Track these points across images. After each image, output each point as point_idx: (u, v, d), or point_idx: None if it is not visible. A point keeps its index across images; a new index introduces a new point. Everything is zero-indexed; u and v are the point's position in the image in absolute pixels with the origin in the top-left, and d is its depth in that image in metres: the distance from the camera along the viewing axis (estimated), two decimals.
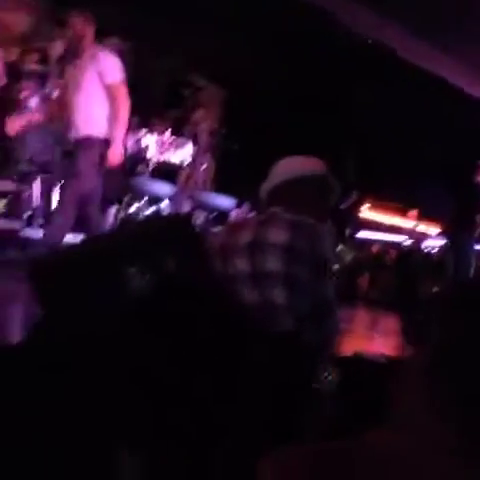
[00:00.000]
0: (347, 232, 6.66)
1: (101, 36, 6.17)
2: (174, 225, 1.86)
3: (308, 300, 2.00)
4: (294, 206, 2.16)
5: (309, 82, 6.69)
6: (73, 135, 4.07)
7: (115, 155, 3.98)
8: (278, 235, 2.05)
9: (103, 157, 3.96)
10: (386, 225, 7.30)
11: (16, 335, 2.52)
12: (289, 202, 2.16)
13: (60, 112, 4.96)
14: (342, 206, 6.71)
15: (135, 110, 5.58)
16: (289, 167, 2.28)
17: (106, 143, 3.96)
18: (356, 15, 5.46)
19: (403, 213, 7.44)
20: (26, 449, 1.59)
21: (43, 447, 1.58)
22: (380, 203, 7.31)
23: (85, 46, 4.05)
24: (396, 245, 7.18)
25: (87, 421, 1.40)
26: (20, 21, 5.79)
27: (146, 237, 1.83)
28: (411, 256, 6.76)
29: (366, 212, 7.24)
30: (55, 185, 5.00)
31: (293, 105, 6.88)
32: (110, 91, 3.97)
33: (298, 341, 1.86)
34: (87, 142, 3.96)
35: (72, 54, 4.16)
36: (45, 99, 4.92)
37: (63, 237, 3.87)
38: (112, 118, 3.96)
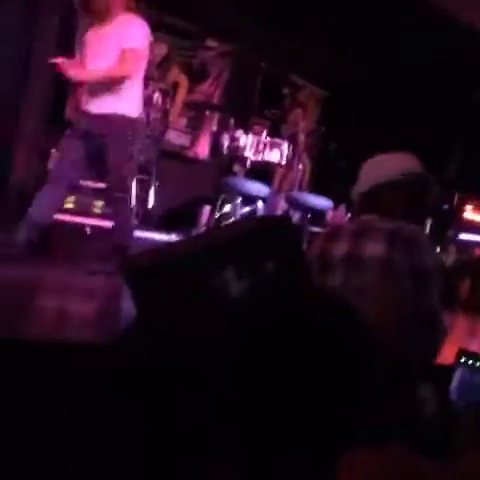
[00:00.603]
0: (449, 234, 6.36)
1: (205, 37, 6.29)
2: (274, 227, 1.76)
3: (409, 314, 1.89)
4: (389, 212, 2.06)
5: (416, 81, 6.47)
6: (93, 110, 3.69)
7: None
8: (374, 248, 1.94)
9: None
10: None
11: (114, 331, 2.52)
12: (383, 207, 2.07)
13: None
14: (444, 206, 6.42)
15: (233, 109, 5.60)
16: (381, 169, 2.16)
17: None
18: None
19: None
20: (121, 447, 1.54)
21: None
22: None
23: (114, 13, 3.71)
24: None
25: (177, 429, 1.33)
26: None
27: (244, 239, 1.74)
28: None
29: (470, 213, 6.88)
30: (152, 186, 5.05)
31: (393, 104, 6.67)
32: (123, 55, 3.58)
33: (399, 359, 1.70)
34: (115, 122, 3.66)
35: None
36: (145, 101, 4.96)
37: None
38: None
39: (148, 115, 4.98)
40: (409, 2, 5.33)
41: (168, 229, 4.64)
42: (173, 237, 4.54)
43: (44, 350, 1.67)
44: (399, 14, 5.41)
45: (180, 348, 1.34)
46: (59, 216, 4.11)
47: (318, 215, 5.26)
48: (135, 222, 4.67)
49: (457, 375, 1.44)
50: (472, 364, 1.47)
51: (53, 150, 4.89)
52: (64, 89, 5.62)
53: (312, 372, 0.75)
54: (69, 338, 2.10)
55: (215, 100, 6.46)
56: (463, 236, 6.76)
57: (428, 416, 1.42)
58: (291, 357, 0.76)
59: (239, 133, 5.12)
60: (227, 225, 4.53)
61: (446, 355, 1.91)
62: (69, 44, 5.55)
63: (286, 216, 3.84)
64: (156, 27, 6.01)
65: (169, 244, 2.13)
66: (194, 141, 6.45)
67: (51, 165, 4.85)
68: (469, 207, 6.87)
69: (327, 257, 2.02)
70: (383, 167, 2.17)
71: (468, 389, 1.47)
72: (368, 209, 2.08)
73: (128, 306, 2.05)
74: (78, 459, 1.48)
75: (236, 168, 5.43)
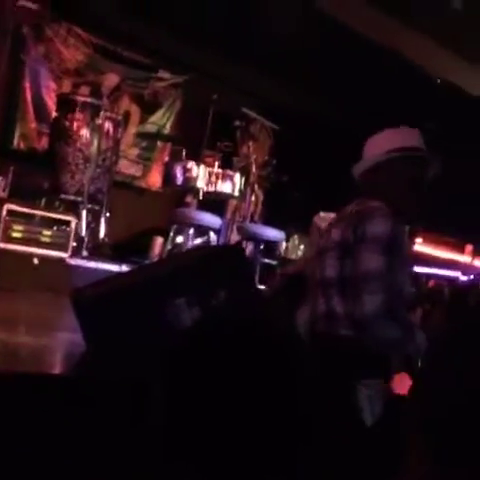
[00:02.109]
0: None
1: (157, 68, 6.32)
2: (226, 255, 1.76)
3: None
4: (375, 195, 2.04)
5: (361, 116, 6.62)
6: None
7: None
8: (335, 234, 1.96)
9: None
10: (440, 259, 7.07)
11: (60, 365, 2.45)
12: (369, 191, 2.07)
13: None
14: None
15: (185, 140, 5.61)
16: (366, 152, 2.18)
17: None
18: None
19: (458, 248, 7.20)
20: None
21: None
22: (433, 237, 7.10)
23: None
24: (451, 281, 6.94)
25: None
26: (76, 55, 5.89)
27: (196, 267, 1.73)
28: (467, 293, 6.50)
29: (419, 246, 7.03)
30: (102, 216, 5.00)
31: (343, 138, 6.80)
32: None
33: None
34: None
35: None
36: (96, 131, 4.94)
37: None
38: None
39: (99, 145, 4.95)
40: (360, 39, 5.48)
41: (119, 260, 4.58)
42: (124, 268, 4.48)
43: None
44: (351, 48, 5.55)
45: (129, 374, 1.31)
46: (7, 245, 4.03)
47: (271, 246, 5.27)
48: (85, 252, 4.61)
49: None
50: None
51: (0, 178, 4.80)
52: (11, 116, 5.57)
53: (250, 389, 0.74)
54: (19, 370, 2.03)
55: (167, 131, 6.48)
56: (415, 269, 6.87)
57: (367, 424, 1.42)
58: (229, 375, 0.75)
59: (191, 164, 5.13)
60: (178, 254, 4.50)
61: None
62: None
63: (237, 245, 3.85)
64: (108, 57, 6.05)
65: (119, 274, 2.10)
66: (146, 171, 6.44)
67: None
68: (419, 240, 7.01)
69: (323, 245, 2.02)
70: (368, 149, 2.17)
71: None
72: (361, 193, 2.10)
73: (78, 337, 2.01)
74: None
75: (188, 199, 5.43)
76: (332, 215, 5.15)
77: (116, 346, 1.61)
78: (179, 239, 5.07)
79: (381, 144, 2.09)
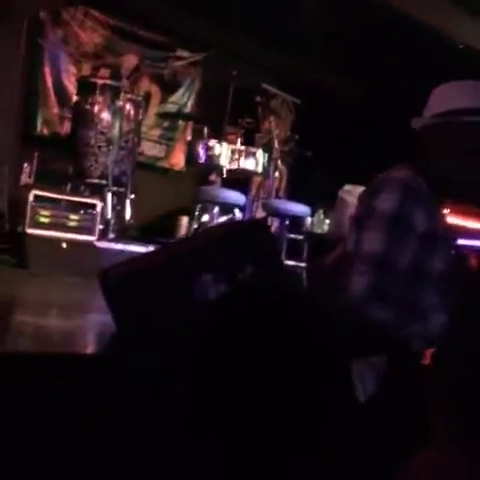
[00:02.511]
0: None
1: (175, 47, 6.30)
2: (250, 230, 1.75)
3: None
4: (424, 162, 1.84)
5: (385, 89, 6.53)
6: None
7: None
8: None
9: None
10: (469, 230, 6.97)
11: (91, 345, 2.49)
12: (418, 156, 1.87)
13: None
14: None
15: (207, 119, 5.59)
16: (427, 108, 1.88)
17: None
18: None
19: None
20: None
21: None
22: (461, 208, 6.99)
23: None
24: (477, 250, 6.83)
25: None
26: (94, 38, 5.88)
27: (222, 243, 1.72)
28: None
29: (447, 217, 6.92)
30: (127, 198, 5.02)
31: (365, 110, 6.72)
32: None
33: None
34: None
35: None
36: (117, 113, 4.94)
37: None
38: None
39: (121, 127, 4.96)
40: (382, 11, 5.37)
41: (146, 241, 4.60)
42: (151, 249, 4.50)
43: (29, 362, 1.65)
44: (372, 22, 5.45)
45: (158, 350, 1.32)
46: (35, 231, 4.07)
47: (296, 222, 5.25)
48: (111, 235, 4.64)
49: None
50: None
51: (25, 165, 4.85)
52: (33, 102, 5.60)
53: (278, 366, 0.74)
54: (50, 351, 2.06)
55: (188, 110, 6.46)
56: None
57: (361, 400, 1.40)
58: (257, 352, 0.74)
59: (213, 142, 5.12)
60: (203, 231, 4.50)
61: None
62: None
63: (261, 220, 3.83)
64: (126, 38, 6.03)
65: (145, 254, 2.11)
66: (169, 152, 6.43)
67: (24, 179, 4.81)
68: (446, 211, 6.90)
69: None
70: (430, 103, 1.88)
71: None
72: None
73: (109, 318, 2.03)
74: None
75: (212, 177, 5.42)
76: (358, 188, 5.12)
77: (144, 325, 1.62)
78: (204, 218, 5.07)
79: (441, 101, 1.84)
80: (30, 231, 4.07)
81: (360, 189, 5.64)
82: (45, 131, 5.65)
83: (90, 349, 2.27)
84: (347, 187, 5.10)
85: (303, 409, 0.75)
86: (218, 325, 0.78)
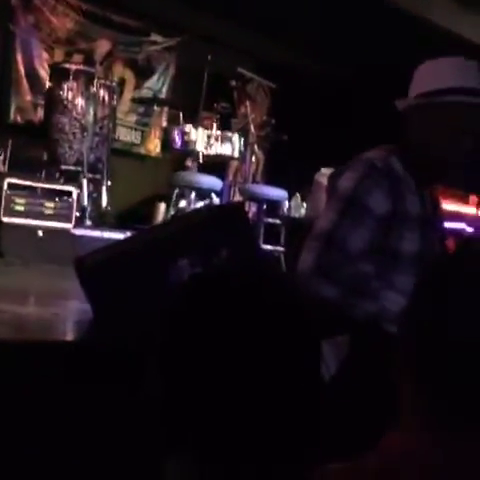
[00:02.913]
0: None
1: (149, 32, 6.24)
2: (226, 215, 1.76)
3: None
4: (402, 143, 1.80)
5: (361, 72, 6.54)
6: None
7: None
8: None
9: None
10: (446, 212, 7.03)
11: (71, 332, 2.48)
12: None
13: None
14: None
15: (182, 104, 5.56)
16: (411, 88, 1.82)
17: None
18: None
19: (463, 200, 7.17)
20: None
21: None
22: (441, 190, 7.05)
23: None
24: (456, 233, 6.91)
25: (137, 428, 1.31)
26: (66, 23, 5.80)
27: (198, 228, 1.73)
28: (471, 245, 6.49)
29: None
30: (104, 185, 4.98)
31: (342, 94, 6.73)
32: None
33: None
34: None
35: None
36: (91, 99, 4.90)
37: None
38: None
39: (96, 113, 4.92)
40: None
41: (123, 228, 4.58)
42: (128, 236, 4.48)
43: (7, 350, 1.64)
44: (348, 4, 5.44)
45: (133, 336, 1.32)
46: (10, 219, 4.03)
47: (273, 206, 5.27)
48: (88, 222, 4.61)
49: None
50: None
51: None
52: (5, 90, 5.52)
53: (250, 349, 0.74)
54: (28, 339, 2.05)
55: (163, 95, 6.42)
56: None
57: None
58: (229, 335, 0.74)
59: (189, 127, 5.09)
60: (180, 216, 4.49)
61: None
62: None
63: (237, 204, 3.83)
64: (99, 23, 5.96)
65: (120, 240, 2.10)
66: (144, 137, 6.39)
67: None
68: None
69: None
70: (413, 84, 1.82)
71: None
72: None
73: (86, 306, 2.03)
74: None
75: (188, 163, 5.40)
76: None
77: (120, 311, 1.62)
78: (182, 204, 5.05)
79: (425, 80, 1.77)
80: (5, 219, 4.03)
81: None
82: (19, 119, 5.58)
83: (68, 336, 2.27)
84: (324, 170, 5.12)
85: (276, 390, 0.75)
86: (190, 308, 0.78)
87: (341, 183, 1.75)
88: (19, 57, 5.57)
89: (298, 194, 5.67)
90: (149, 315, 1.39)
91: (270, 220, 5.15)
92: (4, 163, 4.82)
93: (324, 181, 5.24)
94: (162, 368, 0.76)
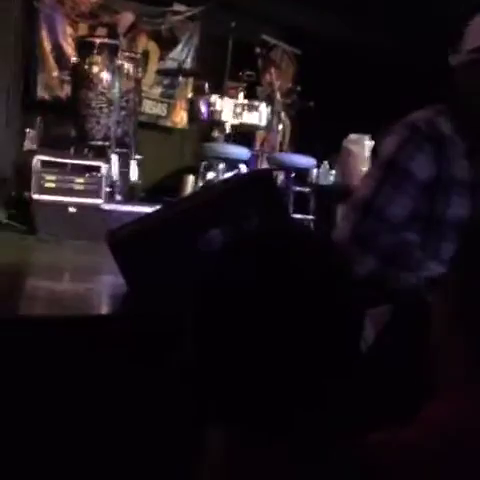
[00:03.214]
0: None
1: (171, 2, 6.17)
2: (255, 182, 1.75)
3: None
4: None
5: (384, 42, 6.40)
6: None
7: None
8: None
9: None
10: None
11: (106, 306, 2.51)
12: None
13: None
14: None
15: (207, 74, 5.51)
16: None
17: None
18: None
19: None
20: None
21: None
22: None
23: None
24: None
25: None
26: None
27: (227, 196, 1.72)
28: None
29: None
30: (132, 159, 4.99)
31: (367, 59, 6.60)
32: None
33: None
34: None
35: None
36: (116, 72, 4.88)
37: None
38: None
39: (121, 86, 4.90)
40: None
41: (153, 201, 4.59)
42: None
43: (44, 326, 1.67)
44: None
45: (168, 306, 1.33)
46: (41, 196, 4.07)
47: (302, 174, 5.23)
48: (118, 197, 4.63)
49: None
50: None
51: (28, 130, 4.82)
52: (32, 68, 5.54)
53: (289, 315, 0.73)
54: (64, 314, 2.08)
55: (188, 66, 6.37)
56: None
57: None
58: (264, 299, 0.73)
59: (215, 98, 5.06)
60: (209, 186, 4.49)
61: None
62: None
63: (266, 171, 3.80)
64: None
65: (151, 212, 2.11)
66: (170, 109, 6.36)
67: (27, 145, 4.79)
68: None
69: None
70: (464, 39, 1.66)
71: None
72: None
73: (119, 280, 2.05)
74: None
75: (215, 133, 5.37)
76: (363, 137, 5.07)
77: (153, 282, 1.63)
78: (210, 175, 5.04)
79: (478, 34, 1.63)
80: (36, 197, 4.07)
81: (365, 138, 5.61)
82: (46, 96, 5.59)
83: (102, 310, 2.30)
84: (352, 136, 5.06)
85: (313, 359, 0.75)
86: (227, 273, 0.78)
87: (383, 148, 1.68)
88: (44, 33, 5.56)
89: (326, 161, 5.62)
90: (181, 285, 1.39)
91: (299, 188, 5.11)
92: (33, 141, 4.86)
93: (352, 147, 5.19)
94: (197, 338, 0.76)
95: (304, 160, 5.09)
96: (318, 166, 5.44)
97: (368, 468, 0.70)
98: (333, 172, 5.53)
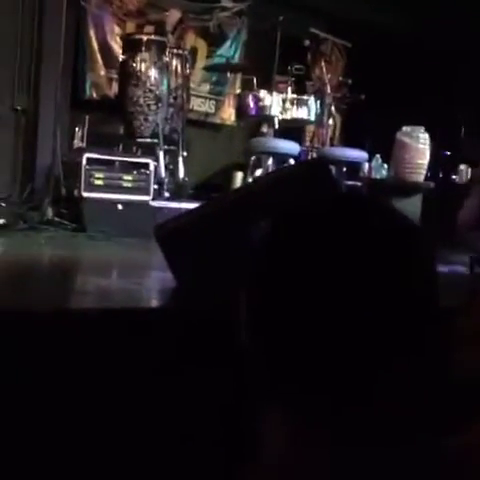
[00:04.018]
0: None
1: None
2: (309, 170, 1.66)
3: None
4: None
5: (437, 31, 6.20)
6: None
7: None
8: None
9: None
10: None
11: (155, 300, 2.48)
12: None
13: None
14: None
15: (255, 69, 5.45)
16: None
17: None
18: None
19: None
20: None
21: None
22: None
23: None
24: None
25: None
26: None
27: (279, 185, 1.64)
28: None
29: None
30: (180, 156, 4.96)
31: (417, 51, 6.43)
32: None
33: None
34: None
35: None
36: (164, 69, 4.86)
37: None
38: None
39: (169, 83, 4.88)
40: None
41: (201, 198, 4.55)
42: None
43: (94, 318, 1.64)
44: None
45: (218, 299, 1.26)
46: (90, 194, 4.07)
47: (354, 168, 5.11)
48: (167, 194, 4.61)
49: None
50: None
51: (77, 128, 4.85)
52: (81, 66, 5.57)
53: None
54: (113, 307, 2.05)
55: (236, 61, 6.31)
56: None
57: None
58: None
59: (263, 93, 4.98)
60: (260, 177, 4.40)
61: None
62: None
63: (320, 160, 3.70)
64: None
65: (200, 205, 2.04)
66: (219, 106, 6.32)
67: (76, 143, 4.81)
68: None
69: None
70: None
71: None
72: None
73: (168, 276, 2.00)
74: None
75: (264, 129, 5.30)
76: (417, 129, 4.91)
77: (202, 275, 1.56)
78: (259, 171, 4.98)
79: None
80: (86, 194, 4.08)
81: (419, 130, 5.43)
82: (94, 94, 5.62)
83: (152, 304, 2.25)
84: (406, 129, 4.90)
85: (384, 325, 0.66)
86: (277, 251, 0.70)
87: None
88: (92, 33, 5.59)
89: (378, 155, 5.47)
90: (232, 278, 1.31)
91: (351, 183, 5.00)
92: (82, 139, 4.88)
93: (406, 140, 5.03)
94: (257, 315, 0.69)
95: (356, 154, 4.97)
96: (370, 160, 5.31)
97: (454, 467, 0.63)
98: (385, 166, 5.38)
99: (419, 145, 4.89)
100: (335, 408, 0.67)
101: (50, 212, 3.91)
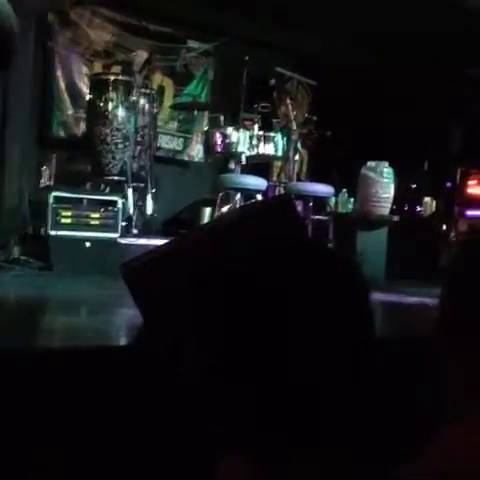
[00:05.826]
0: (455, 210, 6.26)
1: (185, 39, 6.24)
2: (273, 207, 1.68)
3: None
4: None
5: (398, 66, 6.40)
6: None
7: None
8: None
9: None
10: None
11: (122, 339, 2.46)
12: None
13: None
14: (447, 184, 6.33)
15: (222, 107, 5.53)
16: None
17: None
18: None
19: None
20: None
21: None
22: None
23: None
24: None
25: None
26: (104, 36, 5.85)
27: (242, 223, 1.66)
28: None
29: (473, 188, 6.76)
30: (148, 193, 4.98)
31: (382, 87, 6.60)
32: None
33: None
34: None
35: None
36: (131, 108, 4.91)
37: None
38: None
39: (136, 122, 4.92)
40: None
41: (169, 235, 4.56)
42: None
43: (61, 358, 1.62)
44: None
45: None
46: (58, 232, 4.06)
47: (321, 203, 5.18)
48: (135, 231, 4.61)
49: None
50: None
51: (44, 167, 4.84)
52: (48, 105, 5.60)
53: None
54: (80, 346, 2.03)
55: (202, 100, 6.40)
56: (469, 212, 6.65)
57: None
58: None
59: (230, 130, 5.05)
60: (226, 213, 4.44)
61: None
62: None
63: (284, 195, 3.75)
64: (136, 34, 5.99)
65: (166, 242, 2.05)
66: (187, 143, 6.39)
67: (44, 181, 4.80)
68: (472, 182, 6.76)
69: None
70: None
71: None
72: None
73: (135, 312, 2.00)
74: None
75: (232, 165, 5.35)
76: (381, 164, 5.01)
77: (167, 310, 1.57)
78: (227, 207, 5.01)
79: None
80: (53, 233, 4.06)
81: (384, 164, 5.56)
82: (62, 133, 5.64)
83: (119, 342, 2.24)
84: (370, 163, 5.00)
85: (328, 370, 0.68)
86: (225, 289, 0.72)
87: None
88: (59, 73, 5.64)
89: (344, 190, 5.56)
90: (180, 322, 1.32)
91: (318, 217, 5.06)
92: (49, 177, 4.88)
93: (371, 174, 5.13)
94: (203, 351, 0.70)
95: (322, 188, 5.04)
96: (336, 194, 5.39)
97: None
98: (352, 200, 5.47)
99: (383, 179, 5.00)
100: (291, 444, 0.68)
101: (16, 251, 3.89)
